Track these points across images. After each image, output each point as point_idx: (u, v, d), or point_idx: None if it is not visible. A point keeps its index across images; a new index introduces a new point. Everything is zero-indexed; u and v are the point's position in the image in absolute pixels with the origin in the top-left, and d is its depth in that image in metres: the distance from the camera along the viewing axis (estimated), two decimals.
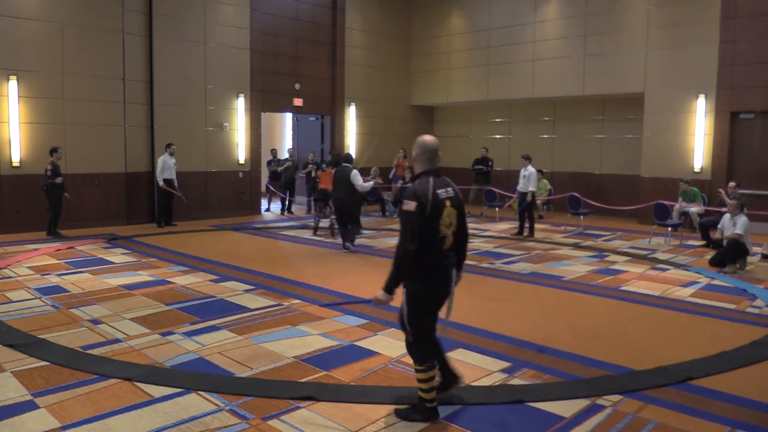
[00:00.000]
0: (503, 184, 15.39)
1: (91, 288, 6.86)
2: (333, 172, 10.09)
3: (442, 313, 3.66)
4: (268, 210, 15.03)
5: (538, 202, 14.29)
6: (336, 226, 11.05)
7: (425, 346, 3.62)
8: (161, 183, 11.72)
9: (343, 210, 9.65)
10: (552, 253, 9.64)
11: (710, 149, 12.43)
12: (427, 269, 3.49)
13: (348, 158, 10.07)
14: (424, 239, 3.42)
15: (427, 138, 3.67)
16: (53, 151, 10.27)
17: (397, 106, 17.51)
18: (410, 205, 3.40)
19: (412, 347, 3.65)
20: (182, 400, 3.86)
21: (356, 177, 9.48)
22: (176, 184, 11.95)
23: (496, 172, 16.18)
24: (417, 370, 3.60)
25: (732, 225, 8.49)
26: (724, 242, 8.58)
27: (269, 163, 15.02)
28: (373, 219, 13.93)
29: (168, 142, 11.99)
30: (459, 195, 3.63)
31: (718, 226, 8.98)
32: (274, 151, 15.40)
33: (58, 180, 10.13)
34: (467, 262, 9.74)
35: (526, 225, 11.40)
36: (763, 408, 3.89)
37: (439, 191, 3.48)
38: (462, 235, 3.65)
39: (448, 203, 3.49)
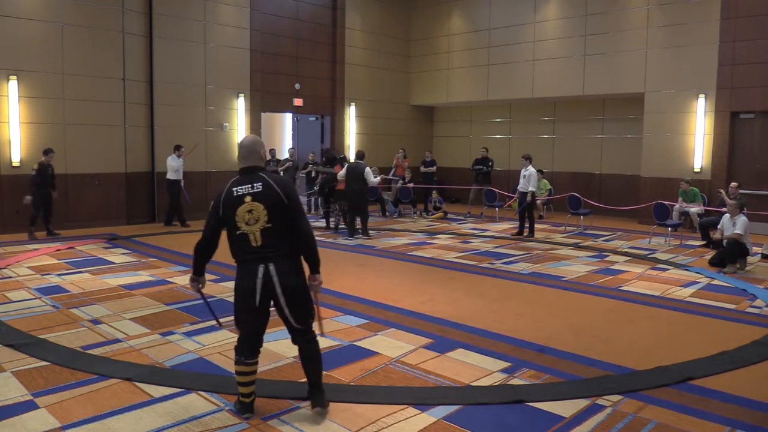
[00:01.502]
0: (503, 184, 15.40)
1: (91, 288, 6.86)
2: (345, 168, 10.88)
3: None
4: None
5: (538, 202, 14.29)
6: (340, 224, 11.56)
7: (240, 340, 3.60)
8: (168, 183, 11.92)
9: (355, 204, 10.75)
10: (552, 253, 9.64)
11: (710, 149, 12.43)
12: (237, 262, 3.54)
13: (361, 155, 11.13)
14: (229, 235, 3.51)
15: (245, 138, 3.69)
16: (47, 152, 10.09)
17: (397, 106, 17.51)
18: (211, 205, 3.60)
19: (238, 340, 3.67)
20: (182, 400, 3.86)
21: (370, 174, 10.57)
22: (182, 185, 12.01)
23: (496, 172, 16.17)
24: (235, 362, 3.61)
25: (732, 225, 8.48)
26: (724, 242, 8.58)
27: (268, 162, 15.03)
28: (373, 219, 13.91)
29: (176, 143, 12.04)
30: (276, 190, 3.45)
31: (718, 226, 8.97)
32: (273, 151, 15.40)
33: (27, 200, 9.88)
34: (468, 262, 9.70)
35: (527, 225, 11.40)
36: (763, 408, 3.89)
37: (236, 188, 3.47)
38: (295, 234, 3.51)
39: (248, 199, 3.43)
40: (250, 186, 3.47)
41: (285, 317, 3.57)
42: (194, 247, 3.64)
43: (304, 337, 3.66)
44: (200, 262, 3.67)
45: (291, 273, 3.50)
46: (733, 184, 10.43)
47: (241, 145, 3.65)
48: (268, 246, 3.45)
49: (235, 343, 3.65)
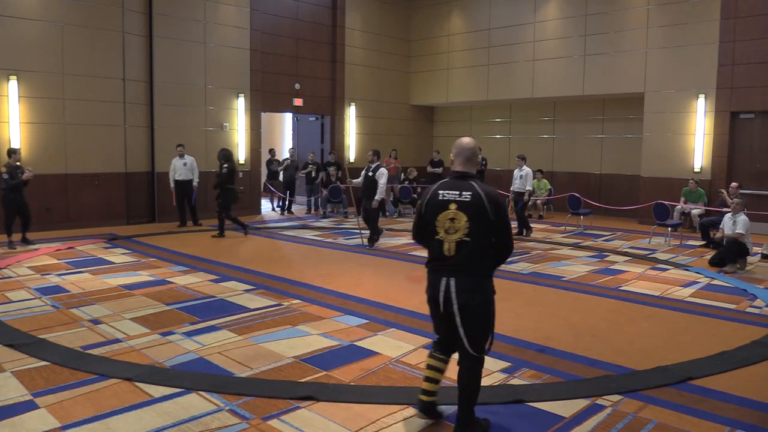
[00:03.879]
0: (503, 184, 15.39)
1: (91, 288, 6.86)
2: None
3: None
4: (277, 209, 15.01)
5: (538, 202, 14.30)
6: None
7: (435, 335, 3.58)
8: (171, 185, 11.87)
9: (367, 209, 9.99)
10: (552, 253, 9.64)
11: (710, 149, 12.43)
12: (428, 268, 3.44)
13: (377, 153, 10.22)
14: (426, 237, 3.43)
15: (465, 140, 3.45)
16: (11, 152, 9.32)
17: (397, 106, 17.51)
18: (419, 203, 3.52)
19: None
20: (182, 400, 3.86)
21: (382, 176, 9.72)
22: (195, 184, 12.03)
23: (496, 172, 16.20)
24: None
25: (732, 224, 8.49)
26: (724, 241, 8.58)
27: (269, 162, 15.04)
28: None
29: (178, 143, 12.04)
30: (483, 203, 3.21)
31: (720, 225, 8.98)
32: (272, 151, 15.40)
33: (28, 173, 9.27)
34: None
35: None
36: (763, 408, 3.89)
37: (442, 191, 3.31)
38: (500, 248, 3.33)
39: (452, 206, 3.25)
40: (458, 193, 3.26)
41: (459, 337, 3.30)
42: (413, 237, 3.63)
43: (469, 361, 3.34)
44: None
45: (472, 291, 3.24)
46: (734, 184, 10.43)
47: (460, 147, 3.40)
48: (458, 259, 3.24)
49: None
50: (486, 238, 3.26)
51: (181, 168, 11.87)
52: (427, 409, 3.54)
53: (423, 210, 3.40)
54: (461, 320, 3.26)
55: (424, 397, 3.52)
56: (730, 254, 8.33)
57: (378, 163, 9.95)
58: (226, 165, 10.60)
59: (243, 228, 11.00)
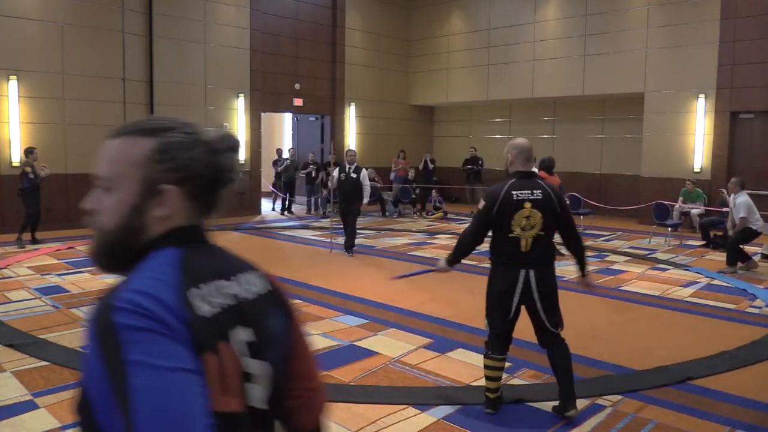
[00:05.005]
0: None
1: (91, 288, 6.86)
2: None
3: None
4: (279, 209, 15.00)
5: None
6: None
7: (492, 336, 3.70)
8: None
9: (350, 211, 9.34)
10: None
11: (710, 149, 12.43)
12: (497, 264, 3.63)
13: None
14: (496, 236, 3.58)
15: (521, 140, 3.74)
16: (29, 152, 9.56)
17: (397, 106, 17.51)
18: (480, 204, 3.63)
19: (487, 335, 3.76)
20: None
21: (367, 177, 9.36)
22: None
23: (496, 172, 16.17)
24: (484, 356, 3.73)
25: (733, 206, 8.37)
26: (730, 232, 8.47)
27: (275, 163, 15.02)
28: (372, 219, 13.93)
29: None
30: (553, 200, 3.56)
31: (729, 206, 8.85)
32: (279, 151, 15.39)
33: (43, 172, 9.47)
34: (468, 262, 9.69)
35: None
36: (763, 408, 3.89)
37: (515, 192, 3.51)
38: (571, 238, 3.71)
39: (527, 205, 3.49)
40: (530, 192, 3.52)
41: (540, 320, 3.65)
42: (460, 242, 3.73)
43: (556, 340, 3.70)
44: (462, 257, 3.75)
45: (548, 279, 3.61)
46: (734, 179, 10.40)
47: (519, 148, 3.66)
48: (534, 253, 3.54)
49: (487, 338, 3.75)
50: (554, 230, 3.62)
51: None
52: (496, 403, 3.76)
53: (494, 211, 3.52)
54: (542, 306, 3.60)
55: (492, 395, 3.74)
56: (731, 256, 8.28)
57: (356, 163, 9.40)
58: None
59: None
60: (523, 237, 3.50)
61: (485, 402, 3.76)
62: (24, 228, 9.55)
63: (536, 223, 3.50)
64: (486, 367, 3.71)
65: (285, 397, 1.09)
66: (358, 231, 10.44)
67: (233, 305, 1.00)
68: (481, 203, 3.61)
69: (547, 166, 9.11)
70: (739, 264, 8.29)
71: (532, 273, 3.54)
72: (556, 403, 3.82)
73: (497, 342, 3.67)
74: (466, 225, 3.82)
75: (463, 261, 3.87)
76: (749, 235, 8.25)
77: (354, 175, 9.18)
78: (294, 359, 1.14)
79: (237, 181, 1.13)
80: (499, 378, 3.72)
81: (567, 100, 15.31)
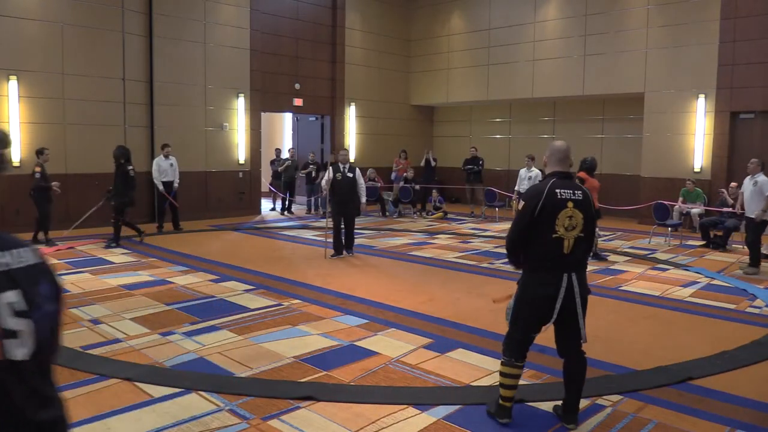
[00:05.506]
0: (503, 185, 15.39)
1: (91, 288, 6.86)
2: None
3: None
4: (277, 209, 15.01)
5: None
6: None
7: (514, 342, 3.54)
8: (161, 187, 11.30)
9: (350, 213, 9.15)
10: None
11: (710, 149, 12.43)
12: (536, 268, 3.47)
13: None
14: (536, 238, 3.43)
15: (558, 142, 3.69)
16: (40, 152, 9.60)
17: (397, 106, 17.51)
18: (521, 204, 3.51)
19: (505, 338, 3.63)
20: (182, 400, 3.86)
21: (361, 176, 9.21)
22: (176, 186, 11.50)
23: (496, 172, 16.20)
24: (501, 362, 3.58)
25: (754, 185, 8.07)
26: (746, 239, 8.24)
27: (273, 162, 15.02)
28: (373, 219, 13.93)
29: (164, 142, 11.65)
30: (590, 201, 3.49)
31: (740, 189, 8.64)
32: (278, 151, 15.39)
33: (55, 185, 9.60)
34: (468, 262, 9.68)
35: None
36: (763, 408, 3.89)
37: (559, 190, 3.42)
38: (590, 244, 3.59)
39: (570, 204, 3.40)
40: (572, 192, 3.44)
41: (577, 328, 3.48)
42: (507, 251, 3.64)
43: (579, 351, 3.57)
44: (517, 254, 3.58)
45: (585, 284, 3.50)
46: (733, 184, 10.42)
47: (555, 149, 3.61)
48: (575, 255, 3.44)
49: (505, 342, 3.60)
50: (591, 233, 3.52)
51: (168, 169, 11.43)
52: (511, 412, 3.63)
53: (537, 211, 3.39)
54: (582, 311, 3.46)
55: (509, 404, 3.58)
56: (753, 256, 8.15)
57: (350, 162, 9.21)
58: (131, 167, 9.61)
59: (139, 233, 10.07)
60: (567, 238, 3.39)
61: (499, 410, 3.60)
62: (38, 229, 9.68)
63: (578, 223, 3.41)
64: (505, 375, 3.55)
65: (47, 352, 1.33)
66: (358, 231, 10.43)
67: (3, 271, 1.21)
68: (521, 203, 3.50)
69: (589, 167, 8.66)
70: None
71: (574, 276, 3.41)
72: (558, 402, 3.82)
73: (520, 348, 3.53)
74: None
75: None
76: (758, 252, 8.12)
77: (350, 174, 8.95)
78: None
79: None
80: (516, 387, 3.58)
81: (567, 100, 15.32)
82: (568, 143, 3.72)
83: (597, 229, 8.44)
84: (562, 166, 3.57)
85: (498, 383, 3.63)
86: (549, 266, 3.42)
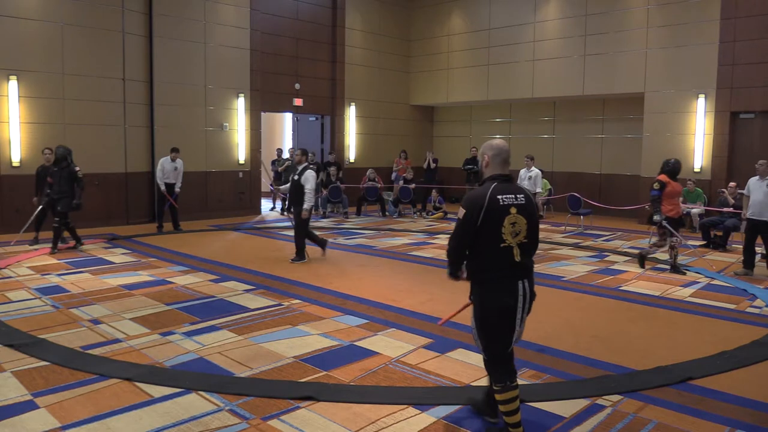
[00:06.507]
0: None
1: (91, 288, 6.86)
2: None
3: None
4: (273, 209, 15.02)
5: (539, 202, 14.29)
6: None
7: (496, 364, 3.35)
8: (162, 188, 11.26)
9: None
10: (552, 253, 9.63)
11: (710, 149, 12.43)
12: (489, 280, 3.27)
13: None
14: (483, 248, 3.24)
15: (500, 141, 3.45)
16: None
17: (397, 106, 17.51)
18: (460, 213, 3.28)
19: (486, 365, 3.45)
20: (182, 400, 3.86)
21: (309, 180, 8.36)
22: (177, 190, 11.45)
23: None
24: (495, 391, 3.35)
25: (766, 185, 7.85)
26: (746, 215, 8.05)
27: (273, 162, 15.02)
28: (373, 219, 13.93)
29: (173, 146, 11.60)
30: (533, 204, 3.33)
31: (744, 191, 8.32)
32: (279, 151, 15.38)
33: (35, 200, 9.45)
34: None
35: None
36: (763, 408, 3.89)
37: (500, 196, 3.22)
38: (535, 248, 3.41)
39: (513, 210, 3.21)
40: (513, 196, 3.25)
41: (516, 333, 3.35)
42: (450, 259, 3.39)
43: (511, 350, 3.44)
44: (459, 265, 3.37)
45: (533, 288, 3.36)
46: (732, 184, 10.42)
47: (498, 149, 3.37)
48: (524, 261, 3.27)
49: (490, 368, 3.40)
50: (535, 236, 3.34)
51: (171, 171, 11.39)
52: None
53: (480, 218, 3.18)
54: (527, 315, 3.35)
55: (519, 429, 3.36)
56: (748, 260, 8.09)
57: (306, 164, 8.62)
58: (78, 168, 9.16)
59: (78, 241, 9.46)
60: (514, 245, 3.21)
61: None
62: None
63: (521, 229, 3.23)
64: (504, 402, 3.30)
65: None
66: (357, 230, 10.34)
67: None
68: (461, 211, 3.24)
69: (671, 170, 8.03)
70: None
71: (526, 283, 3.28)
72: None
73: (505, 368, 3.33)
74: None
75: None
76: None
77: (297, 177, 8.44)
78: None
79: None
80: (520, 407, 3.36)
81: (567, 100, 15.31)
82: (505, 143, 3.48)
83: (667, 234, 7.90)
84: (504, 169, 3.36)
85: (502, 412, 3.36)
86: (502, 277, 3.24)
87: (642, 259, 8.47)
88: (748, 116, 12.12)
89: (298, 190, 8.41)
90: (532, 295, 3.35)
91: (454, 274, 3.40)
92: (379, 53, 16.88)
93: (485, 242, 3.22)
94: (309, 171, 8.39)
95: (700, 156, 12.53)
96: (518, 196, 3.27)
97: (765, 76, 11.63)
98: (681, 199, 11.69)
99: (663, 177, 7.99)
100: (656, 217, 7.92)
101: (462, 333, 5.36)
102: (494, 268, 3.24)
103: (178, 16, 12.66)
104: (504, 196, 3.23)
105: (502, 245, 3.21)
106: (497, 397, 3.33)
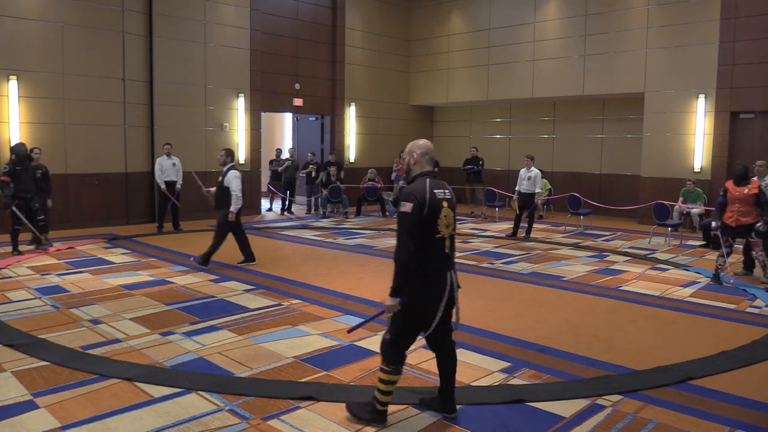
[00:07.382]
0: (503, 184, 15.40)
1: (91, 288, 6.86)
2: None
3: (453, 317, 3.63)
4: (270, 209, 15.03)
5: (539, 202, 14.28)
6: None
7: (400, 348, 3.51)
8: (162, 186, 11.23)
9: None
10: (552, 253, 9.63)
11: (710, 149, 12.43)
12: (423, 272, 3.37)
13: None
14: (422, 240, 3.35)
15: (424, 141, 3.66)
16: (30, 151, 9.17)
17: (397, 106, 17.51)
18: (407, 207, 3.33)
19: (385, 345, 3.52)
20: (182, 400, 3.86)
21: (232, 181, 7.94)
22: (178, 187, 11.43)
23: (496, 172, 16.22)
24: (382, 370, 3.50)
25: (766, 186, 7.75)
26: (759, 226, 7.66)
27: (272, 162, 15.02)
28: (373, 219, 13.93)
29: (165, 142, 11.61)
30: (454, 197, 3.58)
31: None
32: (278, 151, 15.39)
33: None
34: (468, 262, 9.71)
35: (522, 226, 11.26)
36: (763, 408, 3.89)
37: (436, 191, 3.43)
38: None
39: (444, 204, 3.44)
40: (443, 191, 3.48)
41: (449, 323, 3.60)
42: (403, 260, 3.30)
43: (451, 342, 3.68)
44: (410, 278, 3.34)
45: (457, 279, 3.57)
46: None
47: (426, 148, 3.56)
48: (451, 253, 3.51)
49: (388, 350, 3.49)
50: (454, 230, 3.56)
51: (170, 168, 11.33)
52: (386, 416, 3.64)
53: (425, 212, 3.34)
54: (456, 306, 3.57)
55: (386, 408, 3.58)
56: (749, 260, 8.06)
57: (231, 164, 8.10)
58: (42, 170, 9.16)
59: (40, 242, 9.27)
60: (446, 236, 3.44)
61: (378, 416, 3.54)
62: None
63: (450, 222, 3.48)
64: (387, 382, 3.47)
65: None
66: (357, 230, 10.34)
67: None
68: (408, 206, 3.31)
69: (741, 176, 7.79)
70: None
71: (453, 274, 3.50)
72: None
73: (403, 353, 3.52)
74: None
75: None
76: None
77: (221, 179, 8.05)
78: None
79: None
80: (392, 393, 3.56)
81: (567, 100, 15.31)
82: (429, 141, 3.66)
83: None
84: (431, 166, 3.57)
85: (378, 390, 3.51)
86: (436, 268, 3.41)
87: (716, 277, 7.79)
88: (748, 116, 12.12)
89: (222, 193, 8.03)
90: (457, 284, 3.54)
91: (401, 289, 3.34)
92: (379, 53, 16.88)
93: (425, 235, 3.37)
94: (232, 172, 7.97)
95: (700, 156, 12.53)
96: (446, 191, 3.51)
97: (765, 76, 11.63)
98: (681, 199, 11.76)
99: (728, 183, 7.84)
100: (713, 224, 7.82)
101: (462, 333, 5.35)
102: (430, 261, 3.40)
103: (178, 16, 12.66)
104: (438, 191, 3.45)
105: (437, 236, 3.40)
106: (383, 376, 3.50)
